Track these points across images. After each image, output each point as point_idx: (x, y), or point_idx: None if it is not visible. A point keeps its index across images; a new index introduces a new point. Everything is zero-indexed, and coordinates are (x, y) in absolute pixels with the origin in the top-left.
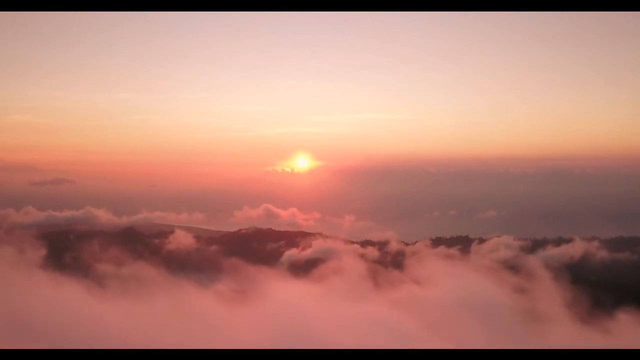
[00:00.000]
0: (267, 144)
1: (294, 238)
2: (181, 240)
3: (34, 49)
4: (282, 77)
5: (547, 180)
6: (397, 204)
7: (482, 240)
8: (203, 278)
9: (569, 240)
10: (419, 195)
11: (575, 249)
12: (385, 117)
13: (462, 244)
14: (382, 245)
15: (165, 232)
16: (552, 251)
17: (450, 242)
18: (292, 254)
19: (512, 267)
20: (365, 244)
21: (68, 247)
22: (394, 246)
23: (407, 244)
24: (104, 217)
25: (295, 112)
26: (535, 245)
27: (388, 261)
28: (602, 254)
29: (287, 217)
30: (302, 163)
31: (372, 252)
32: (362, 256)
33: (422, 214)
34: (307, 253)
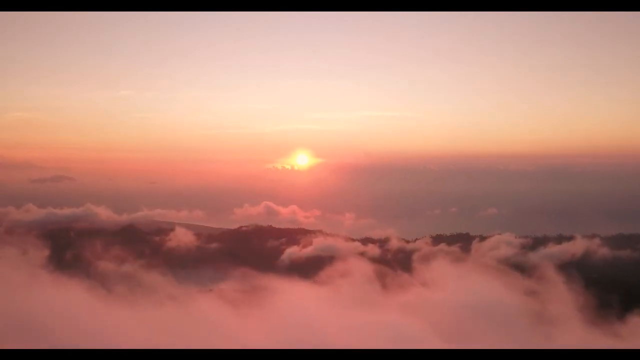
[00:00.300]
0: (267, 141)
1: (294, 235)
2: (181, 237)
3: (34, 48)
4: (282, 75)
5: (548, 177)
6: (398, 201)
7: (483, 238)
8: (204, 276)
9: (570, 238)
10: (420, 193)
11: (577, 247)
12: (386, 115)
13: (463, 241)
14: (382, 242)
15: (165, 230)
16: (553, 249)
17: (451, 239)
18: (293, 251)
19: (515, 265)
20: (365, 241)
21: (69, 245)
22: (394, 244)
23: (407, 242)
24: (104, 214)
25: (295, 109)
26: (536, 243)
27: (389, 259)
28: (604, 252)
29: (288, 215)
30: (302, 160)
31: (373, 249)
32: (363, 254)
33: (422, 212)
34: (308, 251)
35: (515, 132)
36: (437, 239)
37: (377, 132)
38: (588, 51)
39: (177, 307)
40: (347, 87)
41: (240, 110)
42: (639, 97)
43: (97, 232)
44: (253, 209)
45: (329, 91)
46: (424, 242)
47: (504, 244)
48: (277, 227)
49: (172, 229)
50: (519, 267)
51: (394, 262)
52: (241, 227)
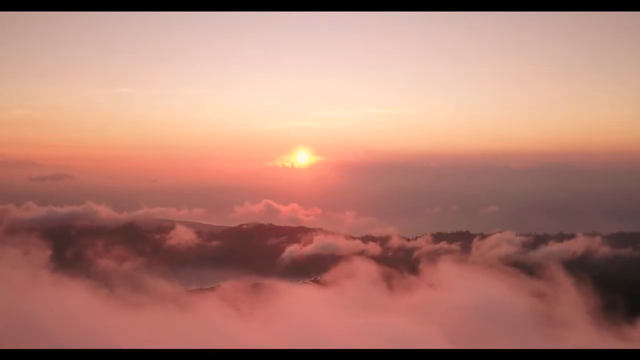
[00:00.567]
0: (268, 139)
1: (295, 234)
2: (182, 235)
3: (35, 46)
4: (283, 73)
5: (549, 175)
6: (398, 199)
7: (483, 236)
8: (204, 274)
9: (570, 236)
10: (420, 191)
11: (578, 245)
12: (387, 113)
13: (464, 239)
14: (383, 241)
15: (165, 228)
16: (554, 247)
17: (451, 237)
18: (293, 250)
19: (516, 264)
20: (366, 239)
21: (69, 243)
22: (395, 242)
23: (408, 240)
24: (105, 212)
25: (296, 107)
26: (537, 241)
27: (391, 257)
28: (604, 250)
29: (288, 213)
30: (302, 158)
31: (374, 247)
32: (364, 252)
33: (423, 210)
34: (309, 249)
35: (516, 129)
36: (438, 237)
37: (378, 130)
38: (589, 49)
39: (177, 306)
40: (348, 85)
41: (240, 108)
42: (639, 95)
43: (97, 230)
44: (253, 207)
45: (329, 89)
46: (424, 240)
47: (505, 242)
48: (277, 225)
49: (173, 227)
50: (521, 266)
51: (395, 261)
52: (241, 225)
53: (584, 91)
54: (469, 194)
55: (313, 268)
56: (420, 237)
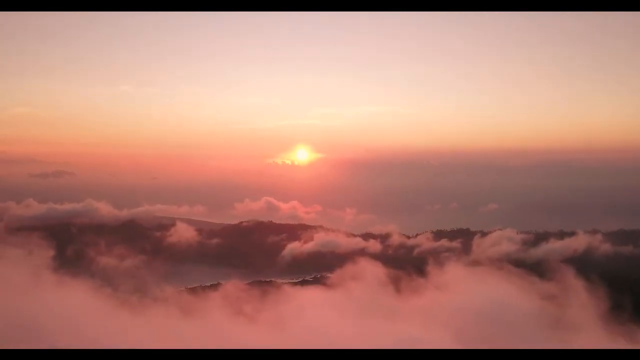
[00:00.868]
0: (268, 136)
1: (295, 231)
2: (182, 233)
3: (35, 44)
4: (283, 71)
5: (549, 173)
6: (399, 196)
7: (484, 234)
8: (205, 271)
9: (571, 234)
10: (421, 188)
11: (579, 242)
12: (387, 110)
13: (464, 237)
14: (383, 238)
15: (166, 225)
16: (555, 244)
17: (451, 235)
18: (294, 247)
19: (517, 261)
20: (366, 237)
21: (69, 240)
22: (395, 239)
23: (408, 237)
24: (105, 209)
25: (296, 104)
26: (537, 239)
27: (391, 255)
28: (605, 247)
29: (288, 210)
30: (302, 156)
31: (374, 245)
32: (364, 249)
33: (423, 207)
34: (309, 246)
35: (516, 127)
36: (438, 235)
37: (378, 128)
38: (589, 48)
39: (178, 305)
40: (348, 83)
41: (240, 106)
42: (639, 93)
43: (98, 228)
44: (254, 204)
45: (329, 87)
46: (424, 237)
47: (505, 239)
48: (277, 222)
49: (173, 224)
50: (522, 264)
51: (396, 259)
52: (242, 222)
53: (584, 91)
54: (469, 191)
55: (313, 265)
56: (420, 234)
